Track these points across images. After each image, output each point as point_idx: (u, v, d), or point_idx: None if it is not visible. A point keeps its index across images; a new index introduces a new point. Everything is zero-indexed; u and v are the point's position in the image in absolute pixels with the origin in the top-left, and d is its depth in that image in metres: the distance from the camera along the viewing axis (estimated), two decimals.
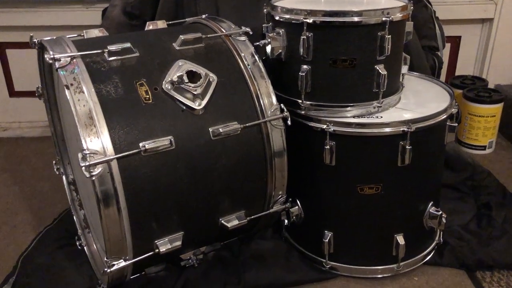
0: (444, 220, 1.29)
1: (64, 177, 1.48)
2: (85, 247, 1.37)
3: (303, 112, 1.25)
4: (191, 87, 1.11)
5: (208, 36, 1.23)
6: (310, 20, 1.17)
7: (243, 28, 1.27)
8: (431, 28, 1.92)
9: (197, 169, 1.11)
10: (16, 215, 1.63)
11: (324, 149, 1.19)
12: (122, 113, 1.05)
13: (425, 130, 1.18)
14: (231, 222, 1.20)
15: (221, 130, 1.11)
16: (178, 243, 1.14)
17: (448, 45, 2.19)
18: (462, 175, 1.69)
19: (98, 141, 1.00)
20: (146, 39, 1.22)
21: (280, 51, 1.26)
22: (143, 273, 1.27)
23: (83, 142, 0.99)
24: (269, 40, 1.25)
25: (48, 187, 1.79)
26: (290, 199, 1.32)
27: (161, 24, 1.34)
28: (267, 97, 1.18)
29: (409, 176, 1.22)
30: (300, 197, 1.34)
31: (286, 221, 1.37)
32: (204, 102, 1.12)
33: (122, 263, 1.09)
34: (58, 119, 1.42)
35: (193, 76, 1.12)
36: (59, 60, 1.05)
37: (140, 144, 1.03)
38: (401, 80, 1.34)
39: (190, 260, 1.28)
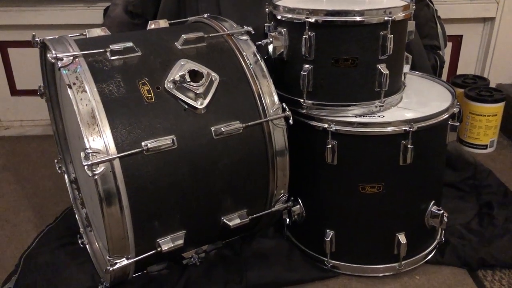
0: (445, 219, 1.29)
1: (66, 176, 1.49)
2: (87, 246, 1.38)
3: (305, 111, 1.25)
4: (193, 86, 1.11)
5: (210, 35, 1.23)
6: (312, 20, 1.17)
7: (245, 27, 1.27)
8: (433, 27, 1.92)
9: (199, 168, 1.11)
10: (18, 213, 1.64)
11: (326, 148, 1.19)
12: (125, 112, 1.05)
13: (427, 129, 1.18)
14: (233, 220, 1.20)
15: (223, 129, 1.12)
16: (180, 241, 1.14)
17: (449, 44, 2.19)
18: (464, 174, 1.69)
19: (100, 140, 1.00)
20: (148, 38, 1.22)
21: (282, 50, 1.26)
22: (145, 271, 1.27)
23: (85, 141, 0.99)
24: (271, 39, 1.25)
25: (50, 185, 1.79)
26: (292, 198, 1.32)
27: (163, 23, 1.34)
28: (269, 96, 1.19)
29: (411, 175, 1.22)
30: (302, 196, 1.34)
31: (287, 220, 1.37)
32: (206, 101, 1.12)
33: (124, 262, 1.09)
34: (60, 117, 1.42)
35: (195, 75, 1.12)
36: (61, 59, 1.06)
37: (143, 143, 1.04)
38: (403, 79, 1.34)
39: (192, 259, 1.28)
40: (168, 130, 1.08)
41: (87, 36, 1.23)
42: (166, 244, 1.13)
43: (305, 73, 1.21)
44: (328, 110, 1.24)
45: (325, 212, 1.30)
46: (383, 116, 1.23)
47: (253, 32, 1.27)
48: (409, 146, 1.16)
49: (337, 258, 1.31)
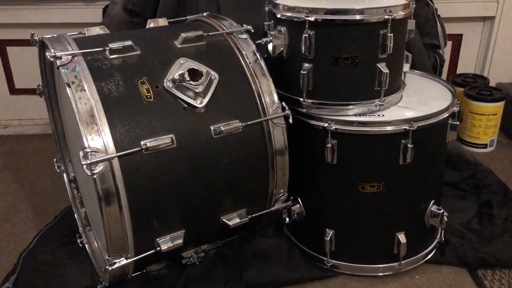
0: (445, 218, 1.29)
1: (65, 175, 1.48)
2: (86, 245, 1.37)
3: (304, 111, 1.25)
4: (192, 85, 1.10)
5: (210, 34, 1.23)
6: (312, 18, 1.16)
7: (244, 26, 1.26)
8: (433, 26, 1.92)
9: (198, 167, 1.11)
10: (17, 212, 1.64)
11: (325, 147, 1.19)
12: (124, 111, 1.05)
13: (427, 128, 1.17)
14: (233, 220, 1.20)
15: (222, 128, 1.11)
16: (180, 241, 1.14)
17: (449, 43, 2.19)
18: (464, 174, 1.69)
19: (99, 139, 1.00)
20: (147, 37, 1.22)
21: (281, 49, 1.26)
22: (145, 271, 1.27)
23: (84, 140, 0.99)
24: (270, 38, 1.25)
25: (49, 184, 1.79)
26: (292, 197, 1.32)
27: (162, 22, 1.34)
28: (269, 95, 1.18)
29: (411, 174, 1.22)
30: (302, 195, 1.34)
31: (287, 219, 1.37)
32: (205, 100, 1.12)
33: (123, 261, 1.09)
34: (59, 116, 1.42)
35: (194, 74, 1.12)
36: (60, 58, 1.05)
37: (142, 142, 1.03)
38: (403, 78, 1.34)
39: (191, 258, 1.28)
40: (167, 129, 1.07)
41: (86, 35, 1.23)
42: (165, 243, 1.13)
43: (305, 72, 1.21)
44: (328, 109, 1.23)
45: (325, 211, 1.30)
46: (383, 115, 1.23)
47: (252, 30, 1.27)
48: (409, 145, 1.16)
49: (337, 258, 1.31)
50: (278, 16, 1.25)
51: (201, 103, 1.11)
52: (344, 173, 1.23)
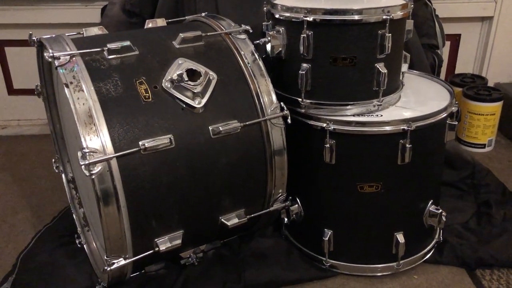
0: (444, 218, 1.29)
1: (63, 175, 1.48)
2: (84, 245, 1.37)
3: (303, 111, 1.25)
4: (191, 85, 1.10)
5: (208, 34, 1.23)
6: (310, 18, 1.16)
7: (243, 26, 1.26)
8: (431, 26, 1.92)
9: (197, 167, 1.11)
10: (15, 213, 1.63)
11: (324, 147, 1.19)
12: (122, 111, 1.05)
13: (425, 128, 1.17)
14: (231, 220, 1.20)
15: (221, 128, 1.11)
16: (178, 241, 1.14)
17: (448, 43, 2.19)
18: (462, 174, 1.70)
19: (97, 140, 1.00)
20: (145, 37, 1.22)
21: (280, 49, 1.26)
22: (143, 271, 1.27)
23: (82, 140, 0.98)
24: (269, 38, 1.25)
25: (48, 185, 1.79)
26: (290, 197, 1.32)
27: (160, 22, 1.34)
28: (267, 96, 1.18)
29: (409, 174, 1.22)
30: (300, 196, 1.34)
31: (286, 219, 1.37)
32: (204, 101, 1.12)
33: (122, 262, 1.09)
34: (57, 117, 1.42)
35: (193, 74, 1.12)
36: (58, 58, 1.05)
37: (140, 143, 1.03)
38: (401, 78, 1.34)
39: (190, 259, 1.28)
40: (166, 129, 1.07)
41: (85, 35, 1.23)
42: (164, 244, 1.12)
43: (303, 72, 1.21)
44: (326, 109, 1.23)
45: (324, 211, 1.30)
46: (381, 115, 1.23)
47: (251, 31, 1.27)
48: (407, 145, 1.16)
49: (335, 258, 1.31)
50: (277, 16, 1.25)
51: (199, 103, 1.11)
52: (343, 173, 1.23)
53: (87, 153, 0.98)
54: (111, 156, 1.00)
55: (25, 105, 2.28)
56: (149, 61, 1.13)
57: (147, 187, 1.06)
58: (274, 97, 1.19)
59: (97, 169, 0.98)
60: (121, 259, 1.09)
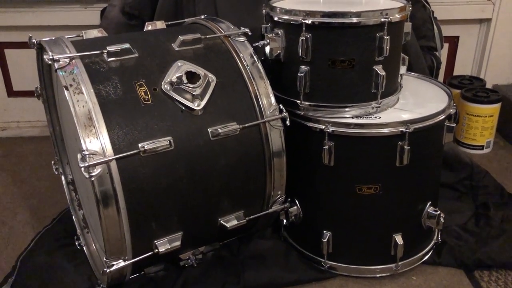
0: (442, 219, 1.29)
1: (63, 177, 1.49)
2: (84, 247, 1.38)
3: (301, 113, 1.25)
4: (190, 88, 1.11)
5: (207, 36, 1.23)
6: (309, 21, 1.17)
7: (242, 28, 1.27)
8: (430, 28, 1.93)
9: (196, 169, 1.11)
10: (15, 215, 1.63)
11: (322, 149, 1.20)
12: (121, 113, 1.05)
13: (423, 130, 1.18)
14: (230, 222, 1.20)
15: (220, 130, 1.12)
16: (177, 243, 1.14)
17: (446, 45, 2.19)
18: (460, 175, 1.70)
19: (97, 142, 1.00)
20: (145, 40, 1.22)
21: (279, 51, 1.26)
22: (143, 273, 1.27)
23: (82, 142, 0.99)
24: (268, 40, 1.25)
25: (47, 187, 1.79)
26: (289, 199, 1.32)
27: (160, 24, 1.34)
28: (266, 98, 1.19)
29: (408, 176, 1.22)
30: (299, 197, 1.34)
31: (285, 221, 1.37)
32: (203, 103, 1.12)
33: (121, 263, 1.09)
34: (57, 119, 1.42)
35: (192, 77, 1.13)
36: (58, 60, 1.06)
37: (139, 145, 1.04)
38: (399, 80, 1.35)
39: (189, 260, 1.28)
40: (165, 131, 1.08)
41: (84, 38, 1.23)
42: (163, 245, 1.13)
43: (302, 75, 1.22)
44: (325, 111, 1.24)
45: (322, 213, 1.30)
46: (380, 117, 1.23)
47: (250, 33, 1.27)
48: (405, 147, 1.16)
49: (334, 259, 1.32)
50: (275, 19, 1.26)
51: (198, 105, 1.12)
52: (341, 175, 1.23)
53: (87, 155, 0.98)
54: (111, 158, 1.00)
55: (24, 107, 2.28)
56: (149, 64, 1.14)
57: (146, 189, 1.06)
58: (273, 99, 1.19)
59: (96, 171, 0.99)
60: (121, 260, 1.09)
